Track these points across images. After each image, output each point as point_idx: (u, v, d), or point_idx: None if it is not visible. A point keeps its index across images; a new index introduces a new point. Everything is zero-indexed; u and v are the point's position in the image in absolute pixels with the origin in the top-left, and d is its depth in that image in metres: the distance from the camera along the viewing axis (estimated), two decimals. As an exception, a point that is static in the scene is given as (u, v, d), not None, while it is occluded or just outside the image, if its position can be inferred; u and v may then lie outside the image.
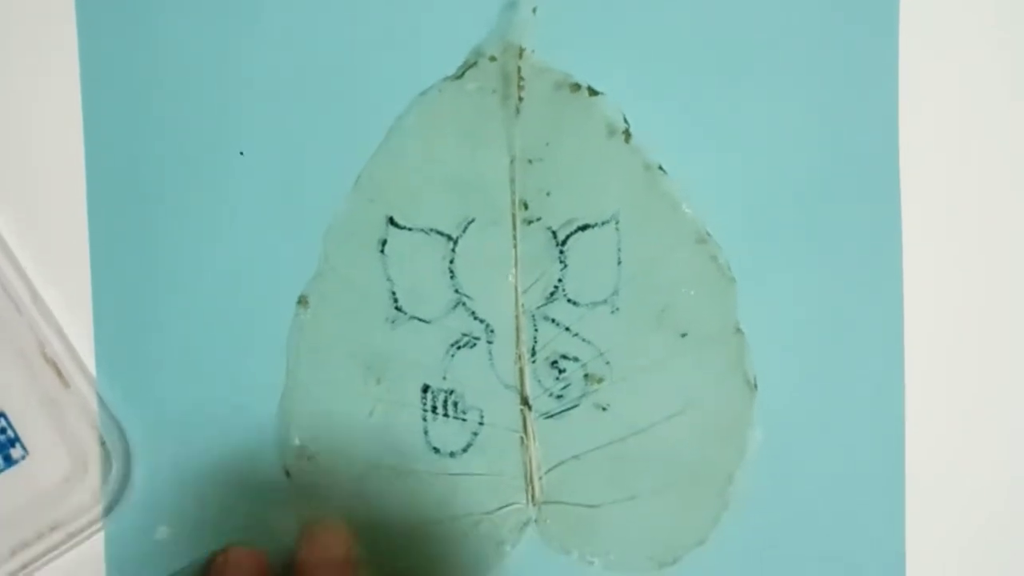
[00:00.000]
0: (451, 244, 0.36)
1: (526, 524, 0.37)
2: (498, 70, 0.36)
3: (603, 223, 0.37)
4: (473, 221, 0.37)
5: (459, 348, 0.37)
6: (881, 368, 0.38)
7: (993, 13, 0.38)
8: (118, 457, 0.35)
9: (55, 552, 0.35)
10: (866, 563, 0.38)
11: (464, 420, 0.37)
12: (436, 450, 0.37)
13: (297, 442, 0.36)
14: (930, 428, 0.38)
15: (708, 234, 0.37)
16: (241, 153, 0.36)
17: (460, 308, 0.37)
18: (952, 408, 0.38)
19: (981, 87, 0.38)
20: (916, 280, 0.38)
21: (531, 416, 0.37)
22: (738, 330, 0.37)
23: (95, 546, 0.36)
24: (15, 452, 0.35)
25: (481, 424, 0.37)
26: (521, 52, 0.36)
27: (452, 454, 0.37)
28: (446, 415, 0.37)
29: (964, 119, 0.38)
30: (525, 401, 0.37)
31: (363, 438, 0.36)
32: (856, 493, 0.37)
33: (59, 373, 0.35)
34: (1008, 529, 0.38)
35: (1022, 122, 0.38)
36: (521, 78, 0.36)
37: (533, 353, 0.37)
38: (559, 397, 0.37)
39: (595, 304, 0.37)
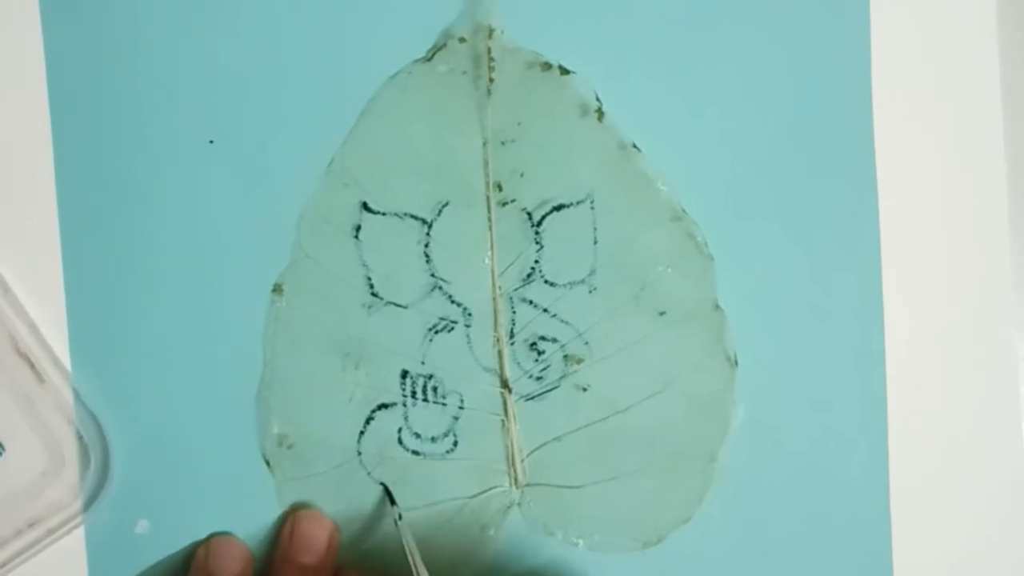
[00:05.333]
0: (426, 228, 0.36)
1: (509, 507, 0.37)
2: (468, 51, 0.36)
3: (578, 203, 0.36)
4: (447, 204, 0.36)
5: (437, 332, 0.36)
6: (861, 340, 0.37)
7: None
8: (96, 451, 0.35)
9: (34, 549, 0.35)
10: (851, 535, 0.37)
11: (444, 405, 0.37)
12: (417, 435, 0.36)
13: (276, 431, 0.36)
14: (910, 399, 0.38)
15: (684, 211, 0.37)
16: (211, 141, 0.36)
17: (437, 292, 0.36)
18: (932, 378, 0.38)
19: (951, 60, 0.38)
20: (894, 251, 0.38)
21: (511, 399, 0.37)
22: (717, 307, 0.37)
23: (75, 542, 0.35)
24: (-9, 449, 0.35)
25: (461, 408, 0.37)
26: (491, 32, 0.36)
27: (433, 439, 0.36)
28: (426, 400, 0.36)
29: (937, 92, 0.38)
30: (505, 384, 0.37)
31: (343, 425, 0.36)
32: (839, 466, 0.37)
33: (33, 368, 0.35)
34: (987, 484, 0.38)
35: (992, 94, 0.38)
36: (491, 59, 0.36)
37: (511, 335, 0.37)
38: (539, 379, 0.37)
39: (572, 284, 0.37)
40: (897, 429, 0.38)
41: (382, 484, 0.36)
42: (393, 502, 0.35)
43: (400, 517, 0.35)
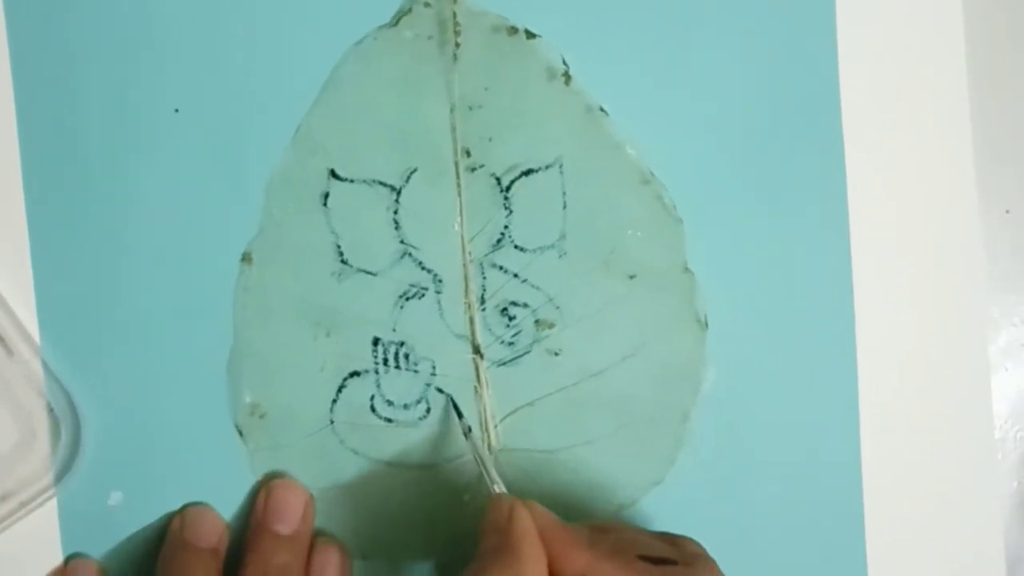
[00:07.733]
0: (395, 195, 0.36)
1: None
2: (433, 16, 0.36)
3: (547, 167, 0.36)
4: (416, 171, 0.36)
5: (407, 299, 0.36)
6: (830, 301, 0.38)
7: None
8: (67, 423, 0.35)
9: (7, 522, 0.34)
10: (823, 495, 0.38)
11: (416, 372, 0.37)
12: (389, 403, 0.36)
13: (248, 400, 0.36)
14: (881, 359, 0.38)
15: (652, 175, 0.37)
16: (176, 111, 0.35)
17: (407, 259, 0.36)
18: (902, 338, 0.38)
19: (917, 23, 0.38)
20: (861, 212, 0.38)
21: (483, 365, 0.37)
22: (687, 269, 0.37)
23: (48, 514, 0.35)
24: (-40, 423, 0.35)
25: (433, 375, 0.37)
26: (456, -3, 0.36)
27: (406, 406, 0.37)
28: (398, 367, 0.36)
29: (903, 54, 0.38)
30: (477, 350, 0.37)
31: (315, 394, 0.36)
32: (810, 426, 0.38)
33: (1, 341, 0.34)
34: (958, 451, 0.39)
35: (956, 56, 0.38)
36: (457, 23, 0.36)
37: (482, 301, 0.37)
38: (510, 344, 0.37)
39: (542, 249, 0.37)
40: (868, 388, 0.38)
41: (449, 397, 0.36)
42: (460, 416, 0.36)
43: (469, 431, 0.35)
